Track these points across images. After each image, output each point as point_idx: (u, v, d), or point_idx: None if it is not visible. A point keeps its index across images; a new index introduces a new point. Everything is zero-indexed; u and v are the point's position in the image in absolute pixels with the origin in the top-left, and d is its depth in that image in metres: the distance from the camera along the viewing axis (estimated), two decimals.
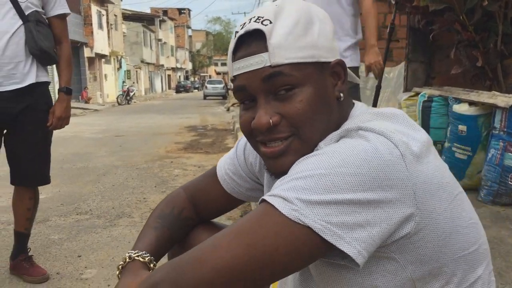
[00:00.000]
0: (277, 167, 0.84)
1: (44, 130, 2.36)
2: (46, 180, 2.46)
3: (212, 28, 69.42)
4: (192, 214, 1.12)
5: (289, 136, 0.82)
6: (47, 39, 2.29)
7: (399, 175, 0.71)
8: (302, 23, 0.81)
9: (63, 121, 2.41)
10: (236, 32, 0.84)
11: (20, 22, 2.23)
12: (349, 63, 2.98)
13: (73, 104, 22.08)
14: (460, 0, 3.31)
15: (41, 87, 2.35)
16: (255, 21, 0.81)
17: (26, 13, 2.24)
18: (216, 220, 1.18)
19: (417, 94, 4.00)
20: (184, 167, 5.58)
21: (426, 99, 3.76)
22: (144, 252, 0.98)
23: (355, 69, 3.05)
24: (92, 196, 4.22)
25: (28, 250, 2.49)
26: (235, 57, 0.84)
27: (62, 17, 2.42)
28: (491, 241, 2.53)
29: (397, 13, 4.02)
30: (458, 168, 3.41)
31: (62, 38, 2.41)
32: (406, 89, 4.45)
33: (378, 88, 4.27)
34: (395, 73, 5.58)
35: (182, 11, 68.20)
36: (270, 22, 0.80)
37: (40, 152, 2.38)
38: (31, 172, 2.37)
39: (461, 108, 3.30)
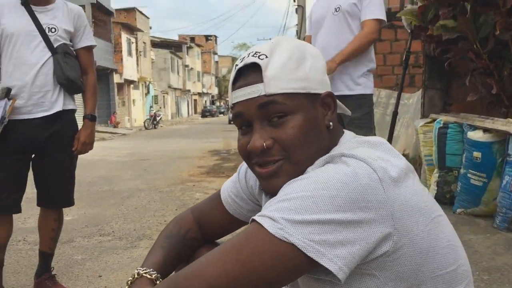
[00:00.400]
0: (270, 187, 0.93)
1: (70, 154, 2.50)
2: (70, 202, 2.59)
3: (238, 54, 70.32)
4: (198, 235, 1.20)
5: (281, 159, 0.91)
6: (73, 70, 2.45)
7: (377, 198, 0.78)
8: (295, 58, 0.91)
9: (87, 146, 2.55)
10: (236, 65, 0.95)
11: (49, 54, 2.39)
12: (361, 90, 3.07)
13: (102, 128, 22.65)
14: (473, 29, 3.37)
15: (67, 114, 2.50)
16: (252, 56, 0.92)
17: (55, 45, 2.40)
18: (220, 240, 1.26)
19: (433, 120, 4.04)
20: (206, 190, 5.69)
21: (442, 125, 3.79)
22: (151, 269, 1.07)
23: (369, 96, 3.13)
24: (115, 218, 4.35)
25: (52, 269, 2.61)
26: (234, 87, 0.94)
27: (89, 49, 2.59)
28: (502, 267, 2.53)
29: (413, 40, 4.10)
30: (474, 195, 3.42)
31: (88, 69, 2.57)
32: (423, 116, 4.49)
33: (395, 114, 4.34)
34: (414, 99, 5.62)
35: (209, 38, 69.52)
36: (266, 57, 0.90)
37: (66, 175, 2.53)
38: (56, 194, 2.51)
39: (476, 135, 3.33)
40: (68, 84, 2.43)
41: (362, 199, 0.77)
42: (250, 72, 0.91)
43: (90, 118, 2.54)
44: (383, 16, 3.04)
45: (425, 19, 3.76)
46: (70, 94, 2.51)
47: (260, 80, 0.89)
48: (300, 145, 0.90)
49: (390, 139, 4.40)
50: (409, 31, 4.20)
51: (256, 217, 0.81)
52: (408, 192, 0.83)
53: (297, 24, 21.95)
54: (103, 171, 7.83)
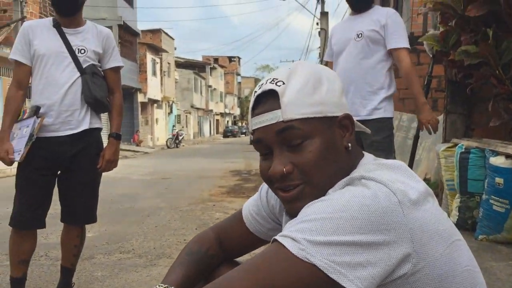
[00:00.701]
0: (294, 210, 0.95)
1: (95, 172, 2.57)
2: (93, 219, 2.65)
3: (261, 75, 70.92)
4: (218, 252, 1.21)
5: (301, 183, 0.94)
6: (101, 90, 2.53)
7: (396, 220, 0.80)
8: (311, 83, 0.93)
9: (112, 164, 2.61)
10: (255, 91, 0.98)
11: (78, 74, 2.48)
12: (382, 113, 3.08)
13: (125, 146, 22.95)
14: (495, 54, 3.37)
15: (93, 133, 2.58)
16: (270, 82, 0.95)
17: (84, 66, 2.49)
18: (240, 259, 1.26)
19: (455, 145, 4.01)
20: (226, 210, 5.71)
21: (463, 150, 3.76)
22: (171, 286, 1.09)
23: (389, 120, 3.14)
24: (136, 236, 4.40)
25: (73, 285, 2.66)
26: (253, 114, 0.97)
27: (116, 69, 2.67)
28: None
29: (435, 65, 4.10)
30: (496, 221, 3.37)
31: (115, 89, 2.65)
32: (445, 140, 4.46)
33: (416, 138, 4.32)
34: None
35: (232, 59, 70.31)
36: (283, 83, 0.93)
37: (90, 192, 2.59)
38: (79, 211, 2.57)
39: (498, 161, 3.30)
40: (95, 104, 2.51)
41: (382, 221, 0.79)
42: (268, 99, 0.94)
43: (115, 137, 2.61)
44: (408, 44, 3.10)
45: (447, 44, 3.77)
46: (96, 113, 2.58)
47: (277, 106, 0.92)
48: (319, 168, 0.93)
49: (411, 163, 4.38)
50: (431, 55, 4.21)
51: (277, 237, 0.83)
52: (427, 216, 0.84)
53: (319, 47, 22.08)
54: (125, 189, 7.93)
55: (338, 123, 0.96)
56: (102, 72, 2.61)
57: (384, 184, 0.84)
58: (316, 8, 24.31)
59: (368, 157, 1.01)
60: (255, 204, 1.22)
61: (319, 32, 20.63)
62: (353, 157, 0.98)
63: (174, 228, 4.75)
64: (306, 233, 0.80)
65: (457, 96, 4.39)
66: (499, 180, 3.29)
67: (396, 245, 0.80)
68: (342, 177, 0.93)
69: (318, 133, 0.93)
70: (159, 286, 1.08)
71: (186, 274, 1.15)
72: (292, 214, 0.97)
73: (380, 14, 3.10)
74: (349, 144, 0.97)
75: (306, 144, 0.92)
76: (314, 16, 21.66)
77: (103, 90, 2.55)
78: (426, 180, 5.30)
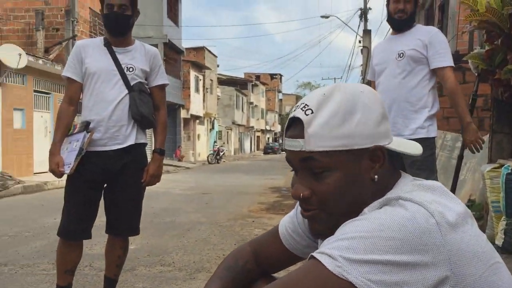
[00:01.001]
0: (311, 229, 1.01)
1: (139, 186, 2.66)
2: (136, 231, 2.73)
3: (302, 92, 71.06)
4: (254, 267, 1.24)
5: (317, 209, 0.97)
6: (147, 106, 2.63)
7: (434, 241, 0.81)
8: (341, 114, 0.91)
9: (155, 179, 2.69)
10: (291, 112, 1.00)
11: (126, 91, 2.59)
12: (425, 133, 3.04)
13: (167, 161, 23.33)
14: None
15: (139, 148, 2.67)
16: (301, 108, 0.95)
17: (132, 83, 2.60)
18: (276, 274, 1.29)
19: (501, 166, 3.90)
20: (265, 227, 5.72)
21: (510, 171, 3.65)
22: None
23: (432, 139, 3.09)
24: (176, 249, 4.48)
25: None
26: (285, 134, 1.01)
27: (162, 87, 2.77)
28: None
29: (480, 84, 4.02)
30: None
31: (160, 105, 2.75)
32: (491, 160, 4.34)
33: (460, 158, 4.22)
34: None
35: (274, 76, 70.69)
36: (312, 112, 0.92)
37: (134, 206, 2.68)
38: (124, 223, 2.66)
39: None
40: (141, 120, 2.61)
41: (420, 242, 0.80)
42: (297, 125, 0.95)
43: (159, 152, 2.70)
44: (452, 63, 3.06)
45: (493, 63, 3.69)
46: (142, 129, 2.68)
47: (302, 135, 0.93)
48: (335, 200, 0.94)
49: (455, 184, 4.27)
50: (476, 74, 4.13)
51: (314, 254, 0.85)
52: (465, 237, 0.84)
53: (362, 65, 21.92)
54: (167, 203, 8.08)
55: (367, 155, 0.93)
56: (149, 89, 2.71)
57: (422, 205, 0.84)
58: (359, 26, 24.31)
59: (405, 178, 1.00)
60: (291, 221, 1.24)
61: (361, 50, 20.52)
62: (387, 180, 0.97)
63: (214, 243, 4.80)
64: (343, 251, 0.81)
65: (503, 115, 4.28)
66: None
67: (434, 266, 0.80)
68: (369, 200, 0.94)
69: (339, 166, 0.92)
70: None
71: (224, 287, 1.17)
72: (310, 232, 1.02)
73: (422, 33, 3.08)
74: (376, 177, 0.94)
75: (327, 175, 0.93)
76: (357, 34, 21.56)
77: (149, 107, 2.65)
78: (471, 201, 5.15)
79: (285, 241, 1.23)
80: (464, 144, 4.29)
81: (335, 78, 52.33)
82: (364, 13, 21.28)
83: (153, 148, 2.72)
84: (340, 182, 0.93)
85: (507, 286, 0.89)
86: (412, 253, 0.79)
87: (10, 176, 11.17)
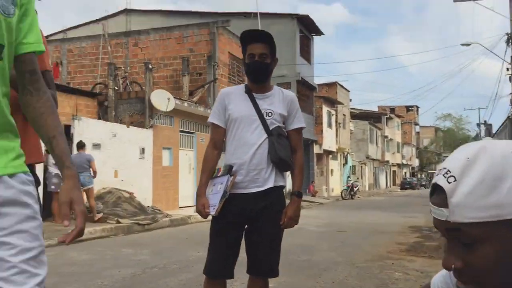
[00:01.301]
0: None
1: (278, 227, 2.70)
2: (275, 273, 2.76)
3: (442, 124, 66.95)
4: None
5: (472, 282, 0.86)
6: (285, 150, 2.69)
7: None
8: (488, 181, 0.80)
9: (293, 221, 2.72)
10: (433, 177, 0.94)
11: (266, 135, 2.68)
12: None
13: None
14: None
15: (278, 190, 2.73)
16: (443, 175, 0.86)
17: (271, 128, 2.69)
18: None
19: None
20: (406, 270, 5.41)
21: None
22: None
23: None
24: None
25: None
26: (430, 200, 0.92)
27: (299, 130, 2.82)
28: None
29: None
30: None
31: (297, 148, 2.79)
32: None
33: None
34: None
35: (410, 108, 68.05)
36: (455, 180, 0.83)
37: (273, 247, 2.71)
38: (264, 264, 2.70)
39: None
40: (279, 163, 2.67)
41: None
42: (440, 192, 0.87)
43: (297, 195, 2.73)
44: None
45: None
46: (281, 171, 2.74)
47: (446, 204, 0.85)
48: (492, 275, 0.83)
49: None
50: None
51: None
52: None
53: (511, 93, 20.10)
54: (302, 240, 8.08)
55: None
56: (286, 133, 2.77)
57: None
58: (506, 51, 22.46)
59: None
60: (444, 281, 1.15)
61: (510, 77, 18.86)
62: None
63: (352, 286, 4.65)
64: None
65: None
66: None
67: None
68: None
69: (492, 238, 0.81)
70: None
71: None
72: None
73: None
74: None
75: (478, 248, 0.83)
76: (504, 60, 19.91)
77: (287, 150, 2.70)
78: None
79: None
80: None
81: (479, 108, 48.84)
82: (511, 38, 19.64)
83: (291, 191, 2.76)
84: (495, 256, 0.82)
85: None
86: None
87: (159, 210, 12.19)
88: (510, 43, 18.98)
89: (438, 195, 0.86)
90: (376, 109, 55.35)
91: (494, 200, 0.80)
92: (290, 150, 2.75)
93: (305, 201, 21.34)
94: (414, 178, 59.03)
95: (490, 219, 0.80)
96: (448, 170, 0.85)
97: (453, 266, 0.86)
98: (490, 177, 0.81)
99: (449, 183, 0.84)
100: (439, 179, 0.86)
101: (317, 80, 30.75)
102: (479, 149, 0.85)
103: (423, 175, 69.02)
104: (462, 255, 0.85)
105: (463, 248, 0.85)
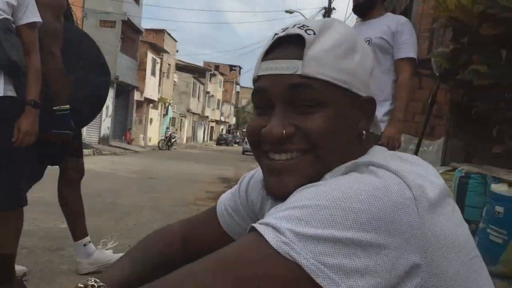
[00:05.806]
0: (279, 186, 0.76)
1: (8, 146, 2.13)
2: (10, 205, 2.20)
3: None
4: (179, 252, 1.01)
5: (302, 149, 0.75)
6: (16, 50, 2.11)
7: (408, 220, 0.62)
8: (345, 46, 0.76)
9: (30, 137, 2.17)
10: (276, 34, 0.79)
11: None
12: (382, 128, 2.92)
13: (115, 143, 22.72)
14: (507, 77, 3.22)
15: (6, 102, 2.13)
16: (299, 27, 0.77)
17: None
18: None
19: (454, 169, 3.85)
20: None
21: (463, 175, 3.59)
22: (104, 285, 0.85)
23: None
24: (113, 232, 4.18)
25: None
26: (266, 57, 0.78)
27: (33, 26, 2.22)
28: None
29: (440, 85, 3.95)
30: (492, 253, 3.18)
31: (31, 49, 2.21)
32: (444, 164, 4.30)
33: None
34: (434, 147, 5.44)
35: (233, 68, 70.45)
36: (314, 33, 0.75)
37: (4, 172, 2.15)
38: None
39: (500, 188, 3.13)
40: (9, 66, 2.08)
41: (391, 219, 0.61)
42: (290, 44, 0.76)
43: (33, 105, 2.18)
44: (415, 55, 2.95)
45: (456, 62, 3.62)
46: (10, 78, 2.14)
47: (299, 56, 0.74)
48: (330, 140, 0.74)
49: None
50: (437, 74, 4.06)
51: (256, 225, 0.64)
52: (445, 221, 0.65)
53: None
54: (109, 184, 7.74)
55: (359, 105, 0.78)
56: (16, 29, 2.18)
57: (397, 174, 0.65)
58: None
59: (379, 148, 0.82)
60: (233, 199, 1.04)
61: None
62: (364, 149, 0.79)
63: (154, 228, 4.48)
64: (293, 222, 0.61)
65: (460, 119, 4.24)
66: (499, 208, 3.11)
67: (404, 251, 0.61)
68: (350, 159, 0.74)
69: (334, 104, 0.74)
70: (94, 280, 0.84)
71: (134, 272, 0.94)
72: (275, 192, 0.77)
73: (390, 21, 2.96)
74: (364, 132, 0.79)
75: (318, 110, 0.74)
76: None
77: (19, 51, 2.12)
78: None
79: (224, 222, 1.03)
80: (418, 146, 4.24)
81: None
82: (327, 12, 21.42)
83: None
84: (334, 120, 0.74)
85: (485, 285, 0.71)
86: (380, 232, 0.60)
87: None
88: (326, 17, 20.69)
89: (287, 47, 0.76)
90: (201, 64, 55.92)
91: (348, 66, 0.76)
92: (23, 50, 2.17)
93: (119, 147, 20.68)
94: (230, 135, 61.94)
95: (341, 84, 0.75)
96: (306, 25, 0.77)
97: (284, 132, 0.74)
98: (347, 43, 0.77)
99: (308, 34, 0.75)
100: (295, 30, 0.77)
101: (145, 24, 29.54)
102: (331, 19, 0.82)
103: (238, 133, 72.76)
104: (295, 121, 0.75)
105: (296, 114, 0.75)
